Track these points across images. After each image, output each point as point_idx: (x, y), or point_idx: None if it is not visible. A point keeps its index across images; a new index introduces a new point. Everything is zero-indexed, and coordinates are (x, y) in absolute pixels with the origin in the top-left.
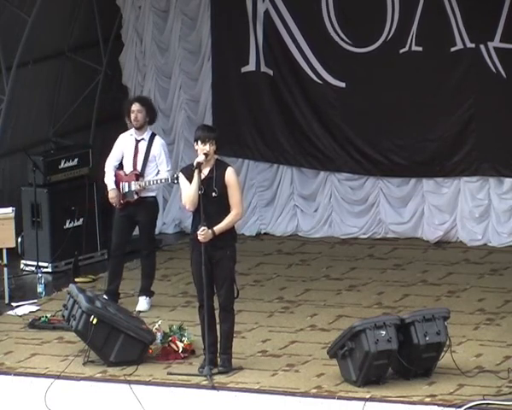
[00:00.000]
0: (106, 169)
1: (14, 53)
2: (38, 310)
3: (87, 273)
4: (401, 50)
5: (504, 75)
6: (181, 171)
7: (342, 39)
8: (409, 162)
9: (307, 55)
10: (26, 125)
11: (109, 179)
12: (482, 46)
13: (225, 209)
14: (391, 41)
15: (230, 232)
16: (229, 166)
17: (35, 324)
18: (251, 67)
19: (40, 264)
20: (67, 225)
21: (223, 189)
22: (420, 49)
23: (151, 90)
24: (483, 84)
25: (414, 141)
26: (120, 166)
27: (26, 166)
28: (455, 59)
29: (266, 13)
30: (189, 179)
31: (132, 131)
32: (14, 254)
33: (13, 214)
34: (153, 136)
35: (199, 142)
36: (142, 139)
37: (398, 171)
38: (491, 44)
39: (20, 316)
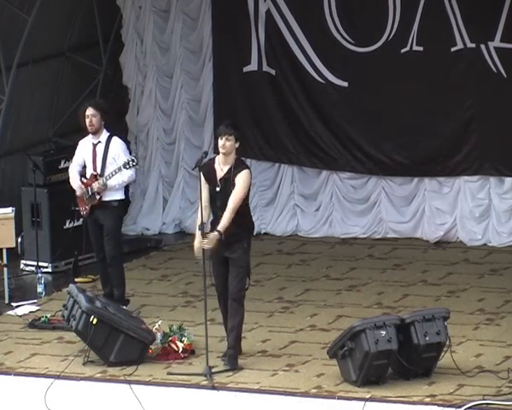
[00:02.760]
0: (70, 174)
1: (14, 53)
2: (38, 310)
3: (87, 273)
4: (402, 50)
5: (505, 75)
6: (200, 168)
7: (344, 39)
8: (410, 162)
9: (309, 55)
10: (26, 126)
11: (74, 180)
12: (483, 46)
13: (242, 207)
14: (392, 41)
15: (247, 224)
16: (246, 168)
17: (35, 324)
18: (253, 66)
19: (40, 264)
20: (67, 225)
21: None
22: (421, 48)
23: (152, 90)
24: (484, 83)
25: (415, 140)
26: (83, 175)
27: (26, 166)
28: (455, 59)
29: (268, 12)
30: (207, 177)
31: (90, 136)
32: (14, 254)
33: (13, 214)
34: (110, 137)
35: (218, 138)
36: (99, 142)
37: (399, 170)
38: (491, 44)
39: (20, 316)
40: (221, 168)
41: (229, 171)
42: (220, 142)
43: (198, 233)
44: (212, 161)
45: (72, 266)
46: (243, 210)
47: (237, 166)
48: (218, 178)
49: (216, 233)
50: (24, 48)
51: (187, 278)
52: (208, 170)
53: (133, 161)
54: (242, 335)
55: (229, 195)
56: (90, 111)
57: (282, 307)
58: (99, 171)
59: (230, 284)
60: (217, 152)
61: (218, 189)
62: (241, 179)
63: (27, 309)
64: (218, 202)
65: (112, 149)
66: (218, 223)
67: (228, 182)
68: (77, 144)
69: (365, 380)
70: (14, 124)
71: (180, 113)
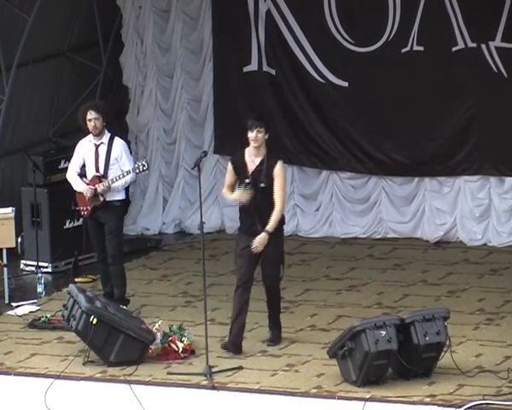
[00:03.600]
0: (69, 177)
1: (14, 53)
2: (38, 310)
3: (87, 273)
4: (403, 50)
5: (505, 75)
6: (230, 159)
7: (344, 39)
8: (411, 161)
9: (309, 55)
10: (26, 126)
11: (79, 183)
12: (483, 46)
13: (273, 200)
14: (392, 41)
15: (280, 219)
16: (279, 160)
17: (35, 324)
18: (253, 66)
19: (40, 264)
20: (67, 225)
21: (271, 181)
22: (421, 48)
23: (152, 90)
24: (484, 83)
25: (415, 140)
26: (82, 176)
27: (26, 166)
28: (456, 58)
29: (268, 12)
30: (236, 168)
31: (91, 136)
32: (14, 254)
33: (13, 214)
34: (112, 138)
35: (248, 131)
36: (102, 143)
37: (400, 170)
38: (492, 44)
39: (20, 316)
40: (252, 161)
41: (261, 163)
42: (251, 134)
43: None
44: (242, 153)
45: (72, 266)
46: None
47: (270, 158)
48: (250, 171)
49: (264, 234)
50: (24, 48)
51: (187, 278)
52: (239, 162)
53: (144, 165)
54: (243, 335)
55: (260, 186)
56: (92, 115)
57: (282, 307)
58: (102, 172)
59: (267, 274)
60: (246, 145)
61: (247, 181)
62: (280, 173)
63: (27, 309)
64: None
65: (114, 149)
66: (249, 215)
67: (260, 174)
68: (76, 144)
69: (365, 380)
70: (14, 124)
71: (180, 113)
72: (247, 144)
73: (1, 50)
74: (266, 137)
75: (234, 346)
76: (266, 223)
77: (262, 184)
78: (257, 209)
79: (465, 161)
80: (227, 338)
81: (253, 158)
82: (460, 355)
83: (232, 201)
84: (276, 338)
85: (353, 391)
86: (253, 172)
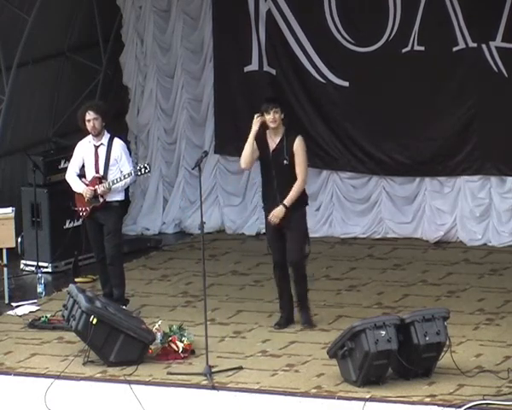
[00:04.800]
0: (68, 178)
1: (14, 53)
2: (38, 310)
3: (87, 273)
4: (403, 50)
5: (506, 74)
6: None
7: (345, 39)
8: (411, 161)
9: (310, 55)
10: (26, 126)
11: (79, 184)
12: (484, 46)
13: (295, 177)
14: (393, 40)
15: (302, 194)
16: (298, 135)
17: (35, 324)
18: (253, 66)
19: (40, 264)
20: (67, 225)
21: (292, 157)
22: (422, 48)
23: (152, 90)
24: (485, 83)
25: (416, 140)
26: (81, 177)
27: (26, 166)
28: (457, 58)
29: (269, 12)
30: (259, 144)
31: (90, 137)
32: (14, 254)
33: (13, 214)
34: (111, 139)
35: (264, 113)
36: (101, 144)
37: (400, 170)
38: (492, 44)
39: (20, 316)
40: (272, 140)
41: (281, 141)
42: (269, 117)
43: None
44: (264, 133)
45: (72, 266)
46: None
47: (289, 134)
48: (271, 150)
49: (281, 207)
50: (24, 48)
51: (187, 278)
52: (261, 141)
53: (146, 168)
54: (242, 335)
55: (282, 164)
56: (91, 115)
57: None
58: (101, 173)
59: (290, 250)
60: (265, 128)
61: (270, 158)
62: (300, 147)
63: (27, 309)
64: (273, 172)
65: (114, 150)
66: (272, 193)
67: (280, 152)
68: (76, 145)
69: (365, 380)
70: (14, 124)
71: (181, 112)
72: (266, 128)
73: (1, 50)
74: (282, 116)
75: (286, 321)
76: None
77: (285, 162)
78: (279, 186)
79: (466, 161)
80: (278, 316)
81: (273, 137)
82: (460, 355)
83: (252, 137)
84: (307, 319)
85: (353, 391)
86: (274, 151)
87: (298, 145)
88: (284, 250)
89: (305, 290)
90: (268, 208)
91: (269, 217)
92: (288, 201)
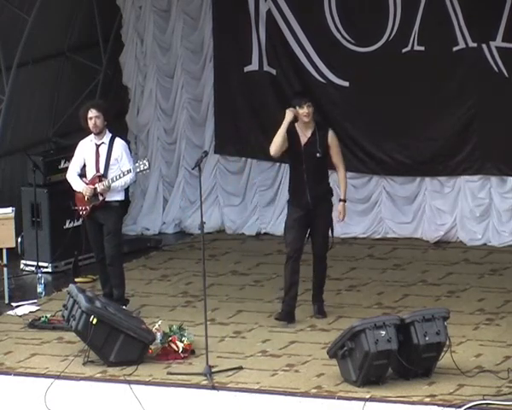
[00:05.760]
0: (69, 177)
1: (14, 53)
2: (38, 310)
3: (87, 273)
4: (403, 50)
5: (506, 74)
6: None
7: (345, 38)
8: (412, 161)
9: (310, 55)
10: (26, 125)
11: (79, 183)
12: (484, 46)
13: (325, 169)
14: (393, 40)
15: (329, 187)
16: (329, 128)
17: (35, 324)
18: (253, 66)
19: (40, 264)
20: (67, 225)
21: (325, 149)
22: (422, 48)
23: (152, 90)
24: (485, 83)
25: (416, 140)
26: (82, 177)
27: (26, 166)
28: (457, 58)
29: (269, 12)
30: (290, 137)
31: (92, 136)
32: (14, 254)
33: (13, 214)
34: (113, 138)
35: (297, 107)
36: (103, 143)
37: (401, 170)
38: (493, 44)
39: (20, 316)
40: (304, 133)
41: (313, 134)
42: (303, 111)
43: None
44: (293, 127)
45: (72, 266)
46: (327, 168)
47: (321, 128)
48: (303, 144)
49: (343, 204)
50: (24, 48)
51: (187, 278)
52: (291, 133)
53: (144, 164)
54: (242, 335)
55: (314, 157)
56: (93, 113)
57: None
58: (102, 172)
59: (318, 244)
60: (294, 122)
61: (302, 151)
62: (335, 139)
63: (27, 309)
64: (303, 165)
65: (115, 150)
66: (301, 186)
67: (313, 145)
68: (77, 144)
69: (365, 380)
70: (14, 124)
71: (181, 112)
72: (295, 120)
73: (1, 50)
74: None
75: (287, 315)
76: (317, 194)
77: (318, 154)
78: (309, 179)
79: (466, 161)
80: (280, 309)
81: (303, 131)
82: (460, 355)
83: (284, 128)
84: (322, 310)
85: (353, 391)
86: (306, 144)
87: (332, 138)
88: (303, 241)
89: (324, 282)
90: (295, 204)
91: (341, 217)
92: (343, 194)
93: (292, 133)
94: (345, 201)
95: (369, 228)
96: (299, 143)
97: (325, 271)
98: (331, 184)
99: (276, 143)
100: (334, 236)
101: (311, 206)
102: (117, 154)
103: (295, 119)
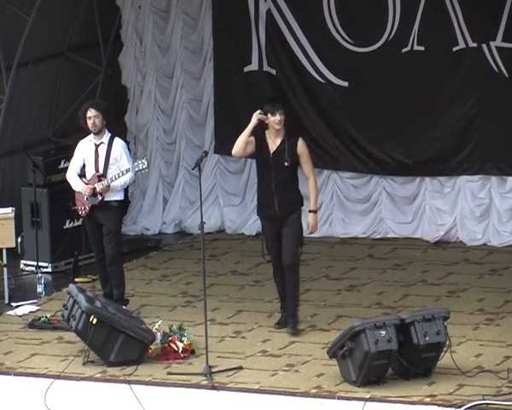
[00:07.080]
0: (69, 177)
1: (14, 53)
2: (38, 310)
3: (87, 273)
4: (403, 50)
5: (506, 74)
6: (253, 134)
7: (344, 39)
8: (412, 161)
9: (310, 55)
10: (26, 125)
11: (78, 183)
12: (484, 46)
13: (294, 177)
14: (393, 40)
15: (298, 196)
16: (299, 136)
17: (35, 324)
18: (253, 66)
19: (40, 264)
20: (67, 225)
21: (294, 158)
22: (422, 48)
23: (151, 90)
24: (485, 83)
25: (416, 140)
26: (82, 177)
27: (26, 166)
28: (457, 58)
29: (268, 12)
30: (259, 146)
31: (91, 136)
32: (14, 254)
33: (13, 214)
34: (112, 138)
35: (269, 114)
36: (102, 143)
37: (401, 170)
38: (493, 44)
39: (20, 316)
40: (273, 141)
41: (282, 143)
42: (275, 118)
43: None
44: (263, 133)
45: (72, 266)
46: (297, 177)
47: (291, 137)
48: (271, 152)
49: (313, 215)
50: (24, 48)
51: (187, 278)
52: (260, 140)
53: (143, 163)
54: (242, 335)
55: (282, 166)
56: (92, 112)
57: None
58: (101, 171)
59: (286, 253)
60: (264, 128)
61: (270, 159)
62: (304, 148)
63: (27, 309)
64: (272, 174)
65: (114, 149)
66: (269, 195)
67: (281, 153)
68: (77, 144)
69: (365, 380)
70: (14, 124)
71: (181, 112)
72: (266, 127)
73: (1, 50)
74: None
75: (287, 321)
76: (285, 202)
77: (286, 163)
78: (277, 188)
79: (466, 161)
80: (279, 316)
81: (273, 139)
82: (460, 355)
83: (249, 130)
84: (291, 323)
85: (353, 391)
86: (274, 152)
87: (302, 146)
88: (280, 251)
89: (296, 294)
90: (264, 213)
91: (310, 230)
92: (313, 205)
93: (261, 140)
94: (315, 211)
95: (369, 228)
96: (268, 150)
97: (296, 282)
98: (331, 184)
99: (238, 144)
100: (334, 236)
101: (278, 215)
102: (116, 153)
103: (266, 126)
